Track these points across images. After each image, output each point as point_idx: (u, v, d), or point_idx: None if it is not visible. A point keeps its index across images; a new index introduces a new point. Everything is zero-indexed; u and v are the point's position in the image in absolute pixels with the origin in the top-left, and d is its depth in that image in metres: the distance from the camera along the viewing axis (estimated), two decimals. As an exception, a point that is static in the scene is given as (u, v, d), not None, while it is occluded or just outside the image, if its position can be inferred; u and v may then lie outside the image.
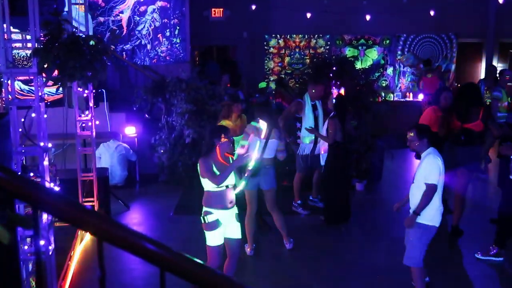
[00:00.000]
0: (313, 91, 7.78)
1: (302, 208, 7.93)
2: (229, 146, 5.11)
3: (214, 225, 4.94)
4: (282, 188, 8.73)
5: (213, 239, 4.96)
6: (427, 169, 4.97)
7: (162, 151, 9.03)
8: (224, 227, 4.97)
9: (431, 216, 5.01)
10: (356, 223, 7.63)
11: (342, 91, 8.83)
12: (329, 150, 7.45)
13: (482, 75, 12.81)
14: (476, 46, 14.08)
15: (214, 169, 4.89)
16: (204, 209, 4.99)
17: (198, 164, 4.97)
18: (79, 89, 6.65)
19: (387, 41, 13.64)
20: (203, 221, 4.96)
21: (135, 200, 8.59)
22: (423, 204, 4.97)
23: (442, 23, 13.39)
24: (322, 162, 7.68)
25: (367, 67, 13.19)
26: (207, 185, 4.94)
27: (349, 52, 13.49)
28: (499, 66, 13.89)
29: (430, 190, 4.96)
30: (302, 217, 7.85)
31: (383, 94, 13.33)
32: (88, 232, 1.54)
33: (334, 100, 7.57)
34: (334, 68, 9.19)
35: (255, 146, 6.08)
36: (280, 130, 6.45)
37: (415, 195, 5.06)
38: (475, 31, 13.44)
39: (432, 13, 12.77)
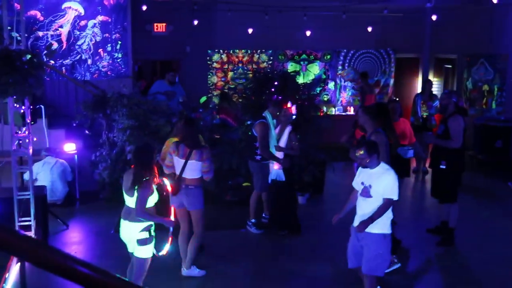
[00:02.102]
0: (277, 111, 7.70)
1: (256, 228, 7.89)
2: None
3: (153, 237, 5.13)
4: (226, 203, 8.78)
5: (149, 251, 5.14)
6: (390, 185, 5.12)
7: (102, 167, 8.86)
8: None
9: (388, 225, 5.22)
10: (299, 236, 7.71)
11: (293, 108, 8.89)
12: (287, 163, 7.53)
13: (419, 89, 13.23)
14: (413, 61, 14.55)
15: (150, 197, 5.00)
16: (146, 224, 5.01)
17: (138, 185, 4.96)
18: (15, 104, 6.47)
19: (328, 56, 13.91)
20: (149, 235, 4.98)
21: (75, 218, 8.39)
22: (381, 214, 5.10)
23: (381, 38, 13.79)
24: (273, 176, 7.70)
25: (309, 81, 13.41)
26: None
27: (291, 67, 13.68)
28: (434, 80, 14.41)
29: (390, 204, 5.12)
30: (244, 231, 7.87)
31: (324, 108, 13.59)
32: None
33: (294, 116, 7.70)
34: (276, 83, 9.28)
35: (177, 164, 6.12)
36: (203, 150, 6.24)
37: (372, 209, 5.14)
38: (412, 46, 13.89)
39: (370, 29, 13.13)
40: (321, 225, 8.21)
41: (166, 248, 5.50)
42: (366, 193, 5.18)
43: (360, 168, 5.33)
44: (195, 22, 12.40)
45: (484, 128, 12.14)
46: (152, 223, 5.05)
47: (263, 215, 8.19)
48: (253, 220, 7.89)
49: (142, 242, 5.03)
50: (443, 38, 13.56)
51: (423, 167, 11.08)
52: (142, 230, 4.97)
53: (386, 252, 5.18)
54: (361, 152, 5.11)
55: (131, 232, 5.04)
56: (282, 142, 7.60)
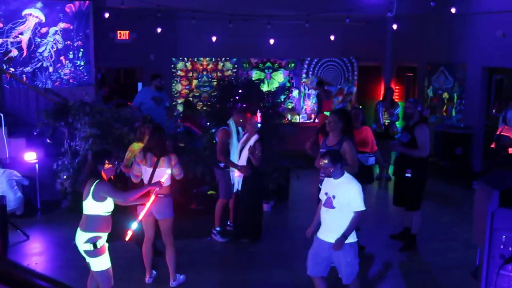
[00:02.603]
0: (240, 118, 7.73)
1: (221, 236, 7.86)
2: (113, 171, 5.14)
3: (105, 248, 4.98)
4: (191, 212, 8.73)
5: (106, 262, 5.01)
6: (357, 197, 5.12)
7: (64, 177, 8.71)
8: None
9: (353, 233, 5.24)
10: (264, 243, 7.72)
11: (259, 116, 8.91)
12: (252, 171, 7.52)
13: (381, 97, 13.44)
14: (375, 69, 14.79)
15: (107, 201, 4.98)
16: (92, 234, 4.91)
17: (92, 188, 4.89)
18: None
19: (292, 65, 14.02)
20: (93, 248, 4.87)
21: (36, 229, 8.21)
22: (353, 228, 5.13)
23: (343, 47, 13.97)
24: (238, 186, 7.69)
25: (273, 89, 13.51)
26: (97, 209, 4.94)
27: (255, 75, 13.73)
28: (396, 88, 14.67)
29: (361, 216, 5.15)
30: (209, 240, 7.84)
31: (289, 116, 13.67)
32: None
33: (259, 125, 7.68)
34: (240, 91, 9.30)
35: (145, 174, 6.10)
36: (171, 156, 6.21)
37: (335, 219, 5.14)
38: (374, 55, 14.12)
39: (332, 38, 13.30)
40: (286, 233, 8.25)
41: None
42: (329, 204, 5.18)
43: (325, 179, 5.35)
44: (159, 30, 12.34)
45: (445, 136, 12.41)
46: (99, 235, 4.93)
47: (228, 223, 8.18)
48: (218, 228, 7.86)
49: (89, 254, 4.93)
50: (405, 46, 13.84)
51: (386, 174, 11.24)
52: (86, 242, 4.88)
53: (354, 259, 5.22)
54: (325, 161, 5.11)
55: (79, 241, 4.97)
56: (244, 151, 7.60)
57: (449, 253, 7.48)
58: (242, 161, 7.61)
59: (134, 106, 10.07)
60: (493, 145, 8.45)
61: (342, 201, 5.11)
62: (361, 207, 5.14)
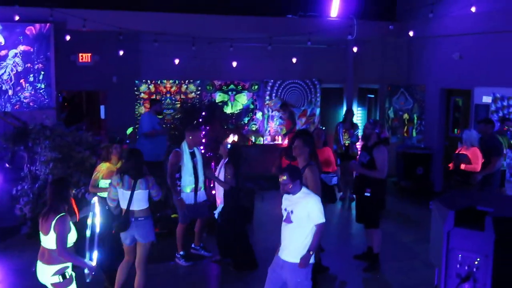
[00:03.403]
0: (190, 137, 7.70)
1: (185, 260, 7.78)
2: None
3: (73, 277, 4.89)
4: (155, 235, 8.62)
5: None
6: (315, 209, 5.14)
7: (24, 202, 8.53)
8: None
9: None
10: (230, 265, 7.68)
11: (235, 137, 8.91)
12: (226, 196, 7.45)
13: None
14: (337, 91, 15.00)
15: (69, 235, 4.83)
16: (59, 266, 4.80)
17: (54, 223, 4.77)
18: None
19: (256, 87, 14.11)
20: (62, 279, 4.77)
21: (-6, 256, 8.00)
22: (317, 243, 5.15)
23: (306, 69, 14.14)
24: (217, 212, 7.59)
25: (237, 111, 13.56)
26: None
27: (219, 97, 13.76)
28: (358, 110, 14.91)
29: (322, 229, 5.17)
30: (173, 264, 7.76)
31: (253, 138, 13.72)
32: None
33: (228, 146, 7.64)
34: (204, 113, 9.32)
35: (122, 197, 6.05)
36: (148, 178, 6.24)
37: (294, 235, 5.15)
38: (336, 77, 14.32)
39: (294, 60, 13.47)
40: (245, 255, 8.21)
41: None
42: (288, 219, 5.21)
43: (284, 195, 5.38)
44: (121, 53, 12.30)
45: (406, 156, 12.64)
46: (67, 265, 4.85)
47: (192, 245, 8.11)
48: (181, 253, 7.80)
49: (58, 286, 4.82)
50: (366, 68, 14.11)
51: (349, 194, 11.35)
52: (54, 274, 4.78)
53: (305, 279, 5.19)
54: (284, 178, 5.16)
55: (44, 275, 4.84)
56: (221, 175, 7.56)
57: (411, 272, 7.60)
58: (220, 189, 7.58)
59: (147, 132, 10.07)
60: (451, 165, 8.64)
61: (300, 215, 5.14)
62: (321, 219, 5.16)
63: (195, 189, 7.74)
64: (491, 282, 3.48)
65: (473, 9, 9.49)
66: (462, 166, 8.25)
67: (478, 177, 8.24)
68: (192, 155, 7.74)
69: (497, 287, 3.49)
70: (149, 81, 13.44)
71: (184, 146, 7.71)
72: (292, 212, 5.17)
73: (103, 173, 6.99)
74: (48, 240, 4.80)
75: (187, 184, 7.70)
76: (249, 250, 7.63)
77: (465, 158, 8.27)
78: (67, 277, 4.79)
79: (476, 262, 3.53)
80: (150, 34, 12.04)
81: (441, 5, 11.02)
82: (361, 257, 7.94)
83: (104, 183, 6.87)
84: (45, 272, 4.81)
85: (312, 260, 5.24)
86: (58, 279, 4.74)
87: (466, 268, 3.56)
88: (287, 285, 5.20)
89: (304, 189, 5.26)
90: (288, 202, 5.27)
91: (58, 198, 4.86)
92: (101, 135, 12.03)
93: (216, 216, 7.68)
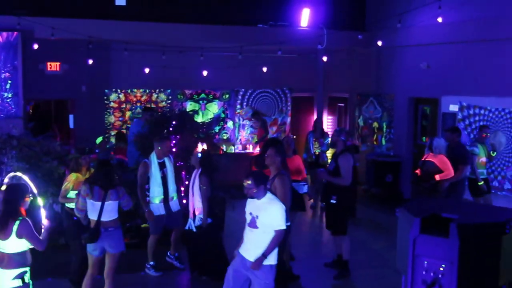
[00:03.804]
0: (159, 148, 7.61)
1: (154, 270, 7.70)
2: (28, 204, 5.02)
3: (30, 285, 4.88)
4: (125, 246, 8.52)
5: None
6: (277, 216, 5.19)
7: (-10, 213, 8.35)
8: None
9: (275, 255, 5.28)
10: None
11: (205, 146, 8.82)
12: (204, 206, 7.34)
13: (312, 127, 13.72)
14: (308, 100, 15.11)
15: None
16: (19, 270, 4.78)
17: (16, 227, 4.71)
18: None
19: (227, 96, 14.13)
20: (22, 283, 4.75)
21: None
22: (273, 248, 5.16)
23: (277, 78, 14.22)
24: (198, 223, 7.38)
25: (208, 120, 13.55)
26: (22, 246, 4.78)
27: (190, 106, 13.74)
28: (328, 118, 15.04)
29: (282, 235, 5.19)
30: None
31: (224, 147, 13.71)
32: None
33: (199, 155, 7.52)
34: (174, 122, 9.27)
35: (91, 208, 5.99)
36: (118, 189, 6.18)
37: (259, 239, 5.19)
38: (307, 86, 14.41)
39: (264, 69, 13.54)
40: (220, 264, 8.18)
41: None
42: (253, 223, 5.25)
43: (248, 199, 5.38)
44: (91, 61, 12.18)
45: (375, 164, 12.78)
46: (26, 269, 4.80)
47: (168, 253, 7.99)
48: (151, 263, 7.72)
49: None
50: (336, 78, 14.25)
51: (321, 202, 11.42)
52: (14, 278, 4.74)
53: (271, 282, 5.24)
54: (249, 182, 5.19)
55: (4, 280, 4.79)
56: (195, 186, 7.37)
57: (382, 279, 7.66)
58: (196, 200, 7.38)
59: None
60: (418, 171, 8.76)
61: (264, 221, 5.19)
62: (281, 226, 5.20)
63: (165, 200, 7.66)
64: (456, 288, 3.55)
65: (439, 19, 9.67)
66: (437, 177, 8.33)
67: (445, 184, 8.37)
68: (162, 165, 7.66)
69: (462, 292, 3.56)
70: (119, 90, 13.34)
71: (153, 157, 7.62)
72: (257, 217, 5.22)
73: (73, 183, 6.93)
74: (8, 245, 4.75)
75: (155, 195, 7.61)
76: (225, 260, 7.57)
77: (432, 165, 8.39)
78: (26, 281, 4.78)
79: (441, 269, 3.59)
80: (120, 43, 11.97)
81: (409, 15, 11.21)
82: (331, 265, 7.98)
83: (73, 193, 6.80)
84: (5, 277, 4.76)
85: (275, 261, 5.24)
86: (17, 283, 4.71)
87: (432, 274, 3.62)
88: (253, 285, 5.24)
89: (269, 195, 5.30)
90: (253, 206, 5.30)
91: (10, 205, 4.81)
92: (69, 145, 11.86)
93: (191, 227, 7.51)
